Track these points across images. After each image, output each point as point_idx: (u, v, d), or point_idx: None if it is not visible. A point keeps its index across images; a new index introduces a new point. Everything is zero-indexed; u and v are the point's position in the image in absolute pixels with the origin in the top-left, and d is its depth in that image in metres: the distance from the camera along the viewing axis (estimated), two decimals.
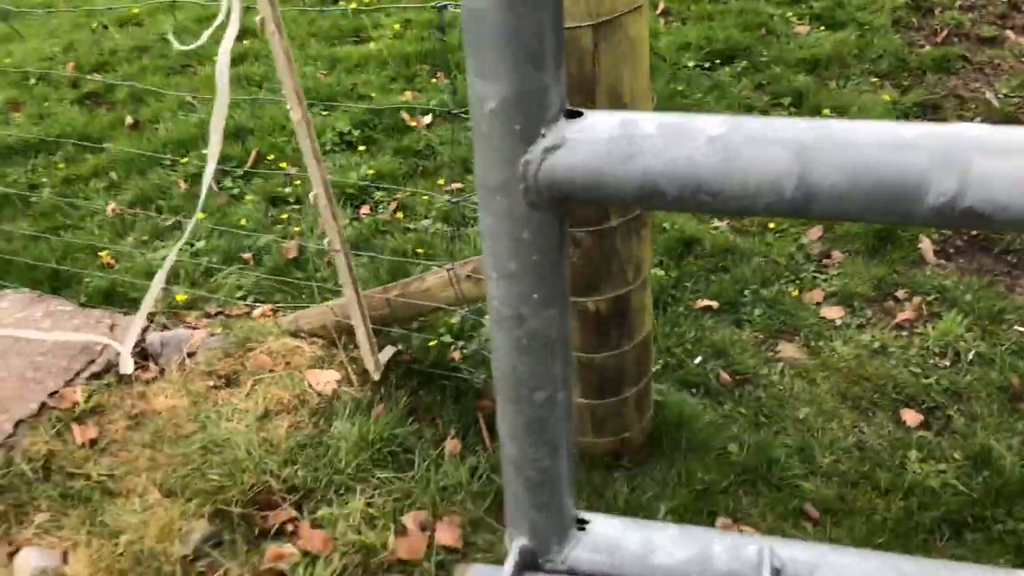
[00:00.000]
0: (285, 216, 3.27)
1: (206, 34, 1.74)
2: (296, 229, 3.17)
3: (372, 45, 4.42)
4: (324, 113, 3.84)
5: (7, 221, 3.41)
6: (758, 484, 2.06)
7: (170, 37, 2.24)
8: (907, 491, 2.01)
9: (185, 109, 4.08)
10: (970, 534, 1.94)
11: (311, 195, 1.91)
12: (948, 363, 2.38)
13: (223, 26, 1.62)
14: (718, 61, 3.92)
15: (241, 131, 3.77)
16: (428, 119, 3.74)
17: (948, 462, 2.08)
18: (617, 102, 1.47)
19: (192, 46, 1.83)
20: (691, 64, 3.92)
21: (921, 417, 2.22)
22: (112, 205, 3.44)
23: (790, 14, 4.23)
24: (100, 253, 3.16)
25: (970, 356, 2.38)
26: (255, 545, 1.94)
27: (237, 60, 4.30)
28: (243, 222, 3.22)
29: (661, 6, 4.46)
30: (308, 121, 1.83)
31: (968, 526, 1.95)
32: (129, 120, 4.05)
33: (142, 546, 1.91)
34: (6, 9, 4.17)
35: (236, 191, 3.46)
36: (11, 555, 1.95)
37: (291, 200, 3.37)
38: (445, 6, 1.75)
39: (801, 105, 3.54)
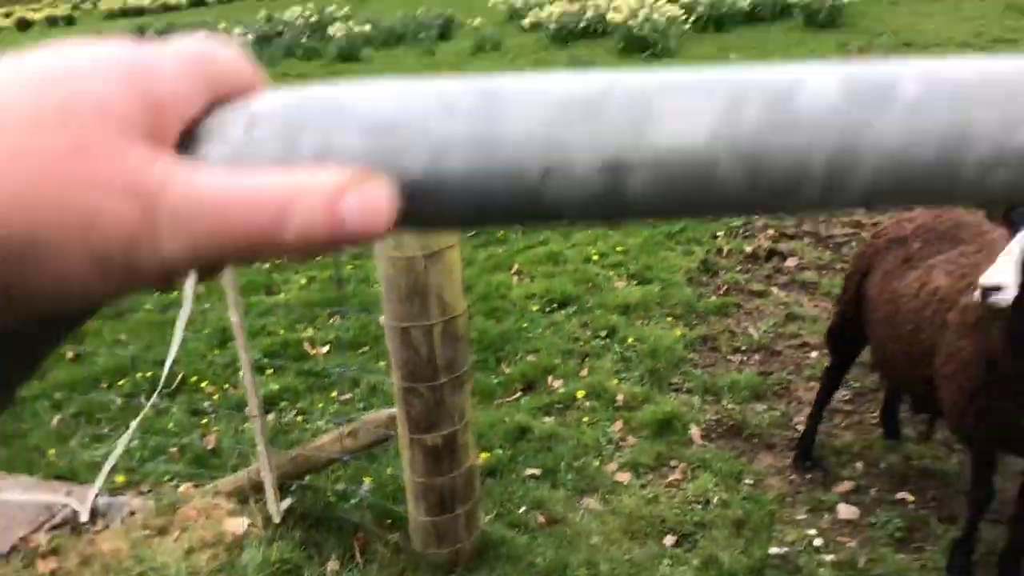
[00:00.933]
0: (205, 421, 4.07)
1: None
2: (215, 428, 3.96)
3: (281, 296, 5.44)
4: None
5: None
6: None
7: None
8: None
9: (120, 345, 4.92)
10: None
11: (242, 374, 2.79)
12: (700, 506, 3.30)
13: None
14: (556, 306, 5.07)
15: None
16: (326, 348, 4.69)
17: (689, 565, 2.94)
18: (441, 300, 2.47)
19: None
20: (535, 308, 5.05)
21: (675, 539, 3.10)
22: (58, 417, 4.17)
23: (612, 273, 5.49)
24: (48, 452, 3.85)
25: (715, 501, 3.31)
26: None
27: (168, 306, 5.22)
28: (170, 426, 3.99)
29: (515, 267, 5.68)
30: (242, 327, 2.75)
31: None
32: (70, 354, 4.85)
33: None
34: None
35: (164, 405, 4.25)
36: None
37: (209, 411, 4.18)
38: (341, 281, 2.75)
39: (614, 337, 4.65)
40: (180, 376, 4.48)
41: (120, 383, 4.47)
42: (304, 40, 16.44)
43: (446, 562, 2.81)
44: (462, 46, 15.83)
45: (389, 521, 3.04)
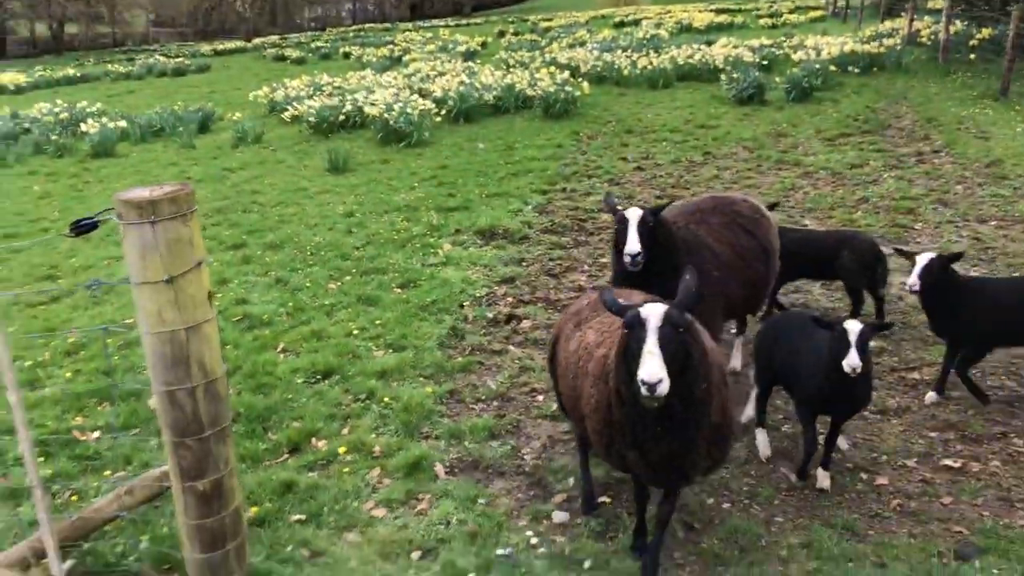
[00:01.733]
0: None
1: None
2: None
3: (47, 390, 5.58)
4: (7, 437, 4.88)
5: None
6: None
7: None
8: None
9: None
10: None
11: (15, 452, 3.11)
12: (443, 526, 3.93)
13: None
14: (320, 377, 5.60)
15: None
16: (96, 434, 4.92)
17: (430, 571, 3.56)
18: (202, 365, 2.98)
19: None
20: (300, 381, 5.55)
21: (421, 553, 3.71)
22: None
23: (371, 343, 6.11)
24: None
25: (454, 520, 3.96)
26: None
27: None
28: None
29: (281, 346, 6.16)
30: (20, 401, 3.10)
31: None
32: None
33: None
34: None
35: None
36: None
37: None
38: (116, 386, 3.18)
39: (373, 398, 5.25)
40: None
41: None
42: (55, 137, 16.00)
43: None
44: (222, 139, 16.10)
45: (167, 566, 3.42)
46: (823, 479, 4.12)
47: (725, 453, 3.35)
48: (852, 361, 3.67)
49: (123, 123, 16.62)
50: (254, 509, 4.04)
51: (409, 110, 14.42)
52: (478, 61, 25.43)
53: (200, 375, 3.01)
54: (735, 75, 16.44)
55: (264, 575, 3.42)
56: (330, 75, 22.03)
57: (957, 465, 4.26)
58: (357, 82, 19.61)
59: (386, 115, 14.35)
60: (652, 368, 2.76)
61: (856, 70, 17.73)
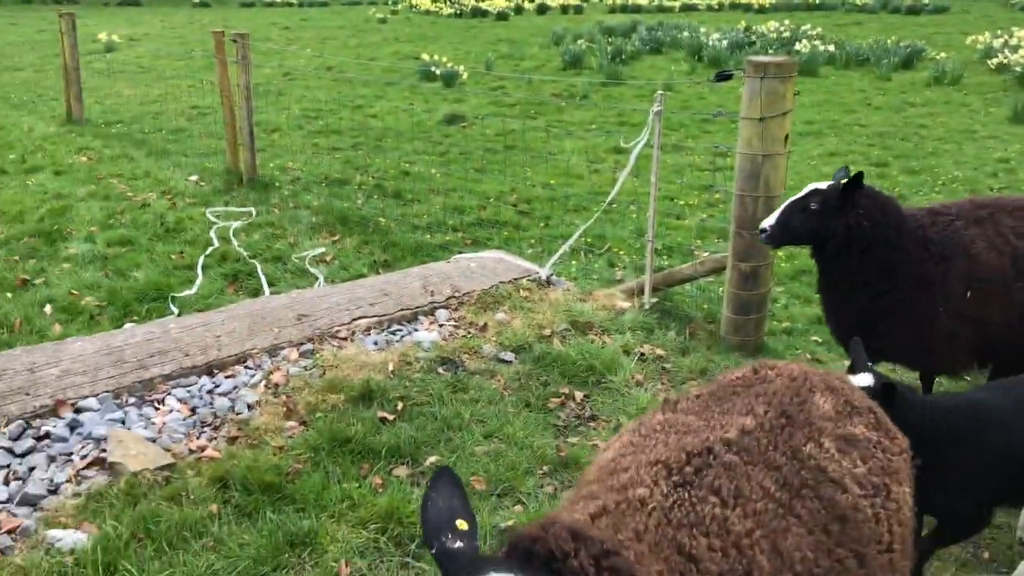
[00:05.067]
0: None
1: None
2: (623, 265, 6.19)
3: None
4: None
5: None
6: None
7: None
8: None
9: None
10: None
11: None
12: None
13: None
14: None
15: None
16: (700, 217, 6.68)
17: None
18: (767, 183, 4.33)
19: None
20: None
21: None
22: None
23: None
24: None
25: None
26: None
27: None
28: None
29: None
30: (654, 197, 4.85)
31: None
32: None
33: None
34: None
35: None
36: None
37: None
38: (716, 187, 4.73)
39: None
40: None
41: None
42: (770, 51, 18.27)
43: (738, 347, 4.68)
44: (920, 76, 16.52)
45: (711, 321, 4.98)
46: None
47: None
48: None
49: (831, 47, 18.09)
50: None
51: None
52: None
53: (763, 189, 4.37)
54: None
55: (770, 349, 4.75)
56: None
57: None
58: None
59: None
60: None
61: None
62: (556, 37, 21.44)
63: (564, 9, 36.24)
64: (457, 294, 5.22)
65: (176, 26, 27.02)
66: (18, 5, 35.32)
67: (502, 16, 31.13)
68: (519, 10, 35.02)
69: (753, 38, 20.25)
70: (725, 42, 18.56)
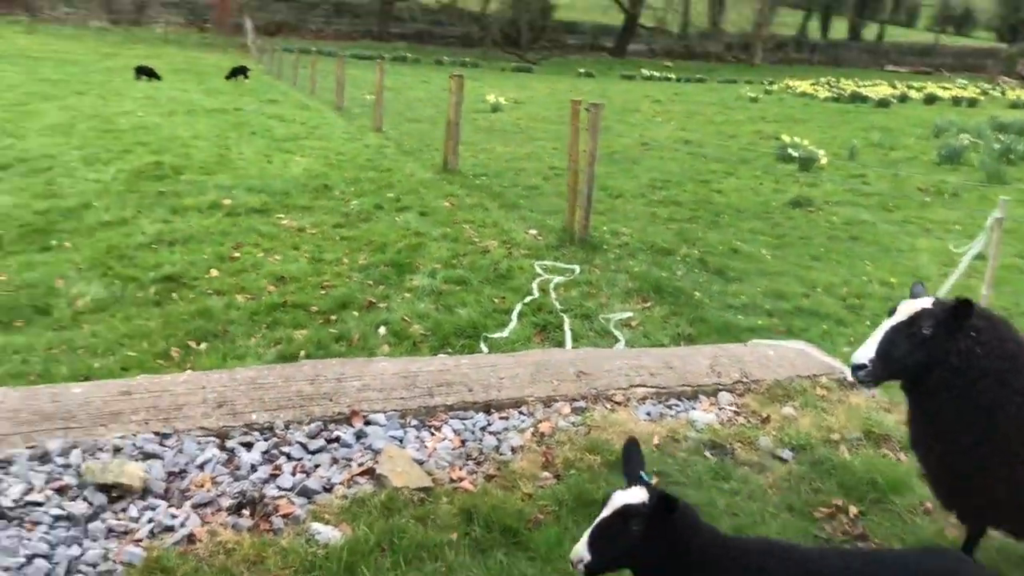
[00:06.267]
0: None
1: None
2: None
3: None
4: None
5: None
6: None
7: None
8: None
9: None
10: None
11: None
12: None
13: None
14: None
15: None
16: None
17: None
18: None
19: None
20: None
21: None
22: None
23: None
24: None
25: None
26: None
27: None
28: None
29: None
30: None
31: None
32: None
33: None
34: None
35: None
36: None
37: None
38: None
39: None
40: None
41: None
42: None
43: None
44: None
45: None
46: None
47: None
48: None
49: None
50: None
51: None
52: None
53: None
54: None
55: None
56: None
57: None
58: None
59: None
60: None
61: None
62: (937, 129, 19.90)
63: (956, 101, 33.47)
64: (745, 379, 5.02)
65: (558, 91, 29.19)
66: (431, 66, 40.46)
67: (883, 103, 29.53)
68: (903, 99, 32.97)
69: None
70: None
